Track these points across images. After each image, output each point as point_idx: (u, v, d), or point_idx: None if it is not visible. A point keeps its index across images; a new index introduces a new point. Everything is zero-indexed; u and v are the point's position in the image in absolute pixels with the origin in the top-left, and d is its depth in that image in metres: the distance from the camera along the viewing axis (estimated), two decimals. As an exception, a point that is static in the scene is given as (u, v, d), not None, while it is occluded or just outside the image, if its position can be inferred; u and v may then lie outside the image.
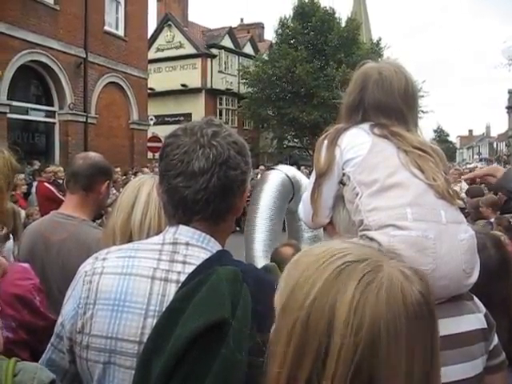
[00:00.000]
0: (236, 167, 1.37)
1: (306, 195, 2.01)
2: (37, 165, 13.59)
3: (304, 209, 2.03)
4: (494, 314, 1.85)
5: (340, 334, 0.82)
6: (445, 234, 1.68)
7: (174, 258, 1.36)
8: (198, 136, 1.36)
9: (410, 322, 0.85)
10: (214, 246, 1.39)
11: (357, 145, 1.82)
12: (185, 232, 1.38)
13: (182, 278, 1.31)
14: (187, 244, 1.37)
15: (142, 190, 1.87)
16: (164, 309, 1.27)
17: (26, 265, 2.07)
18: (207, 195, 1.34)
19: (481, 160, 74.07)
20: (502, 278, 2.12)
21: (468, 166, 44.40)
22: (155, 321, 1.28)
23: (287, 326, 0.89)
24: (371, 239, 1.68)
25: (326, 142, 1.90)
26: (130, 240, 1.77)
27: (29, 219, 9.18)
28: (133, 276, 1.34)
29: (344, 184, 1.86)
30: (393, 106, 1.88)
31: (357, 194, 1.77)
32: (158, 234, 1.67)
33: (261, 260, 5.73)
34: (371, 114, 1.90)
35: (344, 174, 1.84)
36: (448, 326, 1.65)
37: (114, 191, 11.79)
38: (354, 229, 1.78)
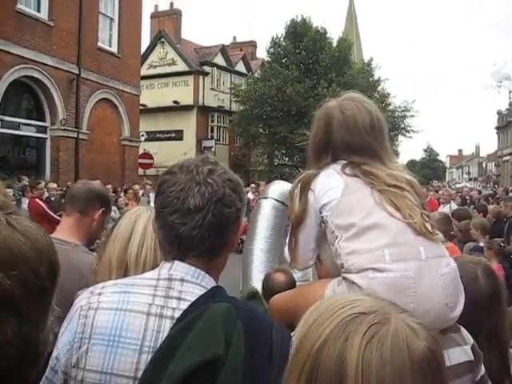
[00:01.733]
0: (231, 205, 1.40)
1: (288, 239, 2.02)
2: (26, 180, 13.54)
3: (287, 251, 2.05)
4: (483, 345, 1.85)
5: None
6: (425, 270, 1.68)
7: (169, 293, 1.37)
8: (193, 174, 1.39)
9: (415, 378, 0.84)
10: (209, 282, 1.41)
11: (330, 188, 1.82)
12: (180, 268, 1.40)
13: (177, 314, 1.33)
14: (182, 280, 1.39)
15: (138, 222, 1.88)
16: (158, 345, 1.29)
17: None
18: (202, 232, 1.36)
19: (470, 180, 74.53)
20: (493, 309, 2.10)
21: (457, 185, 44.68)
22: (150, 357, 1.29)
23: (298, 368, 0.91)
24: (352, 283, 1.70)
25: (298, 189, 1.90)
26: (126, 272, 1.79)
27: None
28: (128, 312, 1.35)
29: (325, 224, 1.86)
30: (362, 144, 1.87)
31: (336, 238, 1.78)
32: (154, 266, 1.69)
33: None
34: (341, 154, 1.89)
35: (322, 218, 1.85)
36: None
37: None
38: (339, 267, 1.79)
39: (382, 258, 1.67)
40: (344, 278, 1.74)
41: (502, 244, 6.11)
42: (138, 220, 1.89)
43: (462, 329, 1.83)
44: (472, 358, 1.76)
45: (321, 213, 1.84)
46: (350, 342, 0.86)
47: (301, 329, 0.97)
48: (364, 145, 1.87)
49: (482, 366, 1.79)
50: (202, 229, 1.36)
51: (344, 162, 1.87)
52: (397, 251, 1.68)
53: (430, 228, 1.76)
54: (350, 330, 0.87)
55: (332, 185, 1.82)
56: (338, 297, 1.02)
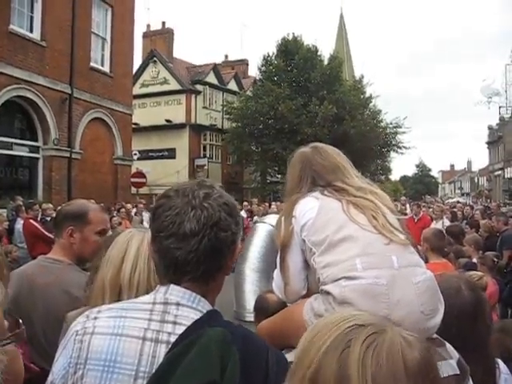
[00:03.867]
0: (226, 229, 1.40)
1: (275, 272, 2.14)
2: (20, 200, 13.52)
3: (275, 284, 2.15)
4: (469, 357, 1.85)
5: None
6: (398, 278, 1.72)
7: (165, 318, 1.37)
8: (189, 197, 1.39)
9: (409, 382, 0.89)
10: (205, 306, 1.41)
11: (307, 210, 1.96)
12: (175, 292, 1.40)
13: (173, 338, 1.33)
14: (178, 304, 1.39)
15: (131, 245, 1.88)
16: (154, 370, 1.28)
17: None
18: (198, 256, 1.36)
19: (463, 194, 74.83)
20: (477, 321, 2.12)
21: (450, 200, 44.82)
22: (145, 382, 1.29)
23: (299, 379, 0.94)
24: (327, 293, 1.77)
25: (282, 218, 2.06)
26: (119, 295, 1.79)
27: (7, 257, 9.06)
28: (123, 337, 1.35)
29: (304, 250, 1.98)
30: (336, 165, 2.12)
31: (313, 254, 1.88)
32: (147, 289, 1.69)
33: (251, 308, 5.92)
34: (317, 179, 2.10)
35: (303, 240, 1.95)
36: None
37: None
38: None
39: (353, 267, 1.74)
40: (320, 291, 1.82)
41: (496, 259, 6.13)
42: (130, 242, 1.89)
43: (447, 344, 1.83)
44: (458, 372, 1.76)
45: (301, 235, 1.96)
46: (351, 348, 0.91)
47: (301, 345, 1.00)
48: (336, 164, 2.14)
49: (470, 380, 1.78)
50: (197, 253, 1.36)
51: (321, 187, 2.06)
52: (368, 260, 1.74)
53: (393, 230, 1.85)
54: (350, 338, 0.93)
55: (308, 207, 1.98)
56: (335, 314, 1.05)
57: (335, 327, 0.96)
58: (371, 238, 1.80)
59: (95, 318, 1.43)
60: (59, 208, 2.94)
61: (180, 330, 1.33)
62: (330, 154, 2.17)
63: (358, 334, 0.93)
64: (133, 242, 1.89)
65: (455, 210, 16.82)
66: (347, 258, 1.76)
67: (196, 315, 1.37)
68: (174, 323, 1.36)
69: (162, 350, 1.33)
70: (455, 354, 1.80)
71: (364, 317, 0.99)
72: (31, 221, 10.20)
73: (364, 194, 1.99)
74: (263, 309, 3.45)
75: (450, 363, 1.76)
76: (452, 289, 1.96)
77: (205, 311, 1.40)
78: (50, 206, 11.95)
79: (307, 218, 1.94)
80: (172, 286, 1.41)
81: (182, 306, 1.39)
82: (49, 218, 10.79)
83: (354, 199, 1.95)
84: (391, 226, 1.86)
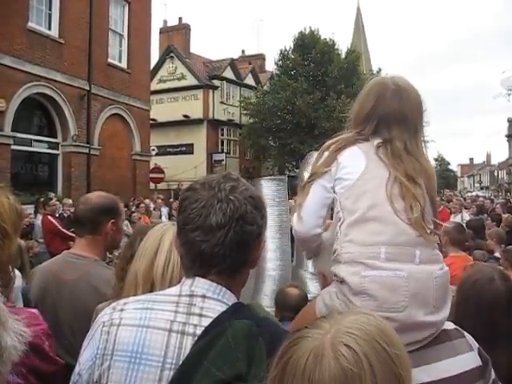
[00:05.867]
0: (252, 222, 1.39)
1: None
2: (51, 195, 13.64)
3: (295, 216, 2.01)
4: (495, 348, 1.83)
5: None
6: (418, 272, 1.69)
7: (191, 310, 1.37)
8: (215, 190, 1.39)
9: None
10: (230, 299, 1.41)
11: (350, 165, 1.84)
12: (201, 284, 1.40)
13: (199, 331, 1.33)
14: (204, 296, 1.39)
15: (164, 238, 1.87)
16: (180, 362, 1.29)
17: (34, 310, 2.09)
18: (224, 249, 1.36)
19: (482, 188, 74.08)
20: (510, 310, 2.12)
21: (469, 194, 44.40)
22: (172, 374, 1.29)
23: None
24: (342, 283, 1.72)
25: (329, 150, 1.92)
26: (152, 287, 1.78)
27: (29, 252, 9.16)
28: (150, 328, 1.36)
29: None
30: (408, 118, 1.90)
31: (339, 219, 1.80)
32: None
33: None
34: (383, 126, 1.91)
35: (334, 190, 1.87)
36: (443, 368, 1.66)
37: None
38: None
39: (377, 255, 1.68)
40: (334, 277, 1.76)
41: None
42: (164, 236, 1.88)
43: (466, 335, 1.80)
44: (480, 363, 1.73)
45: (334, 183, 1.87)
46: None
47: None
48: (409, 119, 1.90)
49: (492, 370, 1.76)
50: (223, 246, 1.36)
51: (380, 140, 1.89)
52: (393, 251, 1.69)
53: (425, 226, 1.77)
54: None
55: (353, 163, 1.85)
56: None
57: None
58: (402, 227, 1.73)
59: (122, 310, 1.43)
60: (85, 204, 2.81)
61: (206, 322, 1.33)
62: (410, 101, 1.91)
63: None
64: (166, 236, 1.87)
65: (477, 203, 16.63)
66: (373, 242, 1.70)
67: (222, 307, 1.37)
68: (200, 315, 1.36)
69: (189, 342, 1.33)
70: (475, 345, 1.78)
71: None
72: (49, 217, 10.30)
73: (416, 174, 1.83)
74: (285, 301, 3.47)
75: (471, 355, 1.74)
76: (485, 278, 1.94)
77: (230, 304, 1.39)
78: (70, 201, 12.04)
79: (347, 175, 1.83)
80: (198, 278, 1.41)
81: (208, 299, 1.39)
82: (66, 214, 10.87)
83: (403, 178, 1.80)
84: (424, 221, 1.77)
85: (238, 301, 1.43)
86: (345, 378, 0.88)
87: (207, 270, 1.40)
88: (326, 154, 1.92)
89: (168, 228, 1.92)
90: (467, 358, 1.72)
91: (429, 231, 1.77)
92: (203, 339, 1.27)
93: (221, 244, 1.36)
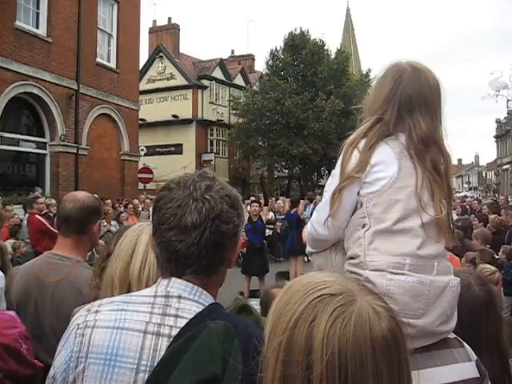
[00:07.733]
0: (228, 221, 1.38)
1: (319, 206, 1.95)
2: (38, 192, 13.53)
3: (315, 219, 1.93)
4: (478, 355, 1.83)
5: (318, 363, 0.91)
6: (437, 282, 1.69)
7: (167, 311, 1.36)
8: (191, 190, 1.38)
9: (375, 353, 0.92)
10: (207, 299, 1.40)
11: (381, 171, 1.76)
12: (177, 285, 1.39)
13: (174, 332, 1.31)
14: (179, 297, 1.37)
15: (140, 239, 1.84)
16: (155, 364, 1.27)
17: (12, 312, 2.07)
18: (200, 249, 1.35)
19: (470, 189, 74.52)
20: (488, 315, 2.12)
21: (458, 194, 44.62)
22: (146, 376, 1.27)
23: (273, 351, 0.97)
24: (366, 279, 1.66)
25: (357, 150, 1.80)
26: (128, 289, 1.75)
27: (16, 253, 9.08)
28: (125, 330, 1.34)
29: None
30: (429, 100, 1.82)
31: (364, 225, 1.74)
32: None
33: None
34: (404, 110, 1.81)
35: (359, 192, 1.79)
36: (440, 374, 1.66)
37: (105, 223, 11.76)
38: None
39: (401, 266, 1.67)
40: (357, 274, 1.69)
41: (497, 256, 6.07)
42: (140, 237, 1.85)
43: (466, 345, 1.80)
44: (478, 376, 1.72)
45: (361, 188, 1.78)
46: (317, 321, 0.94)
47: (275, 306, 1.03)
48: (430, 101, 1.83)
49: (489, 382, 1.75)
50: (199, 246, 1.35)
51: (405, 135, 1.80)
52: (416, 263, 1.68)
53: (451, 226, 1.76)
54: (317, 311, 0.95)
55: (385, 168, 1.76)
56: (307, 278, 1.06)
57: (305, 296, 0.98)
58: (426, 241, 1.71)
59: (96, 312, 1.41)
60: (75, 203, 2.76)
61: (182, 323, 1.32)
62: (428, 83, 1.83)
63: (327, 305, 0.95)
64: (143, 236, 1.84)
65: (464, 204, 16.74)
66: (399, 253, 1.67)
67: (198, 308, 1.36)
68: (176, 316, 1.35)
69: (164, 344, 1.31)
70: (474, 356, 1.77)
71: (335, 285, 1.00)
72: (36, 216, 10.14)
73: (439, 166, 1.77)
74: (269, 303, 3.44)
75: (469, 366, 1.73)
76: (462, 285, 1.93)
77: (207, 304, 1.38)
78: (54, 201, 11.94)
79: (377, 182, 1.75)
80: (173, 278, 1.39)
81: (184, 299, 1.37)
82: (52, 214, 10.77)
83: (430, 175, 1.74)
84: (448, 219, 1.76)
85: (214, 301, 1.42)
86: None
87: (183, 269, 1.38)
88: (356, 153, 1.79)
89: (144, 228, 1.89)
90: (465, 368, 1.71)
91: (450, 232, 1.76)
92: (179, 341, 1.26)
93: (196, 244, 1.34)
